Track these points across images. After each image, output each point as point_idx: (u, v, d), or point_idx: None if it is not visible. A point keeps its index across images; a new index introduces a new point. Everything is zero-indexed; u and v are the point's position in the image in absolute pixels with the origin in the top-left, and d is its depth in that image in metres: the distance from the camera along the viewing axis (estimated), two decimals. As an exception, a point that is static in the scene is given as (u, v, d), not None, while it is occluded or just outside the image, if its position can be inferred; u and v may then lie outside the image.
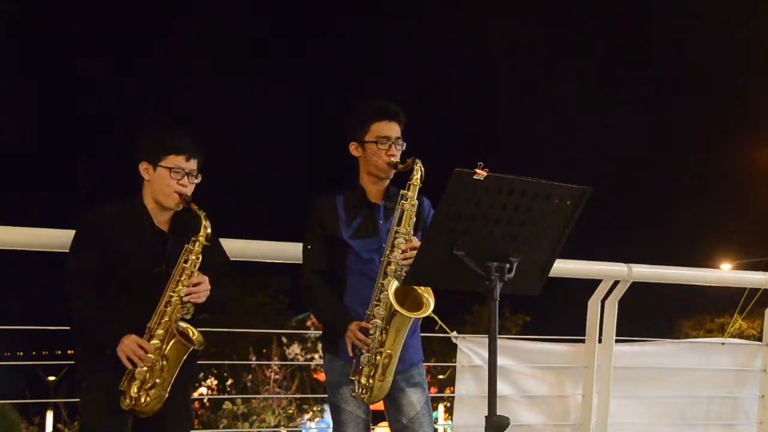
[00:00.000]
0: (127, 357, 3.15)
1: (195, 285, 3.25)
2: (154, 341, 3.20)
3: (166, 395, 3.24)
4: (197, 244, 3.27)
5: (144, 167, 3.34)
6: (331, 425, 3.58)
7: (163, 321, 3.22)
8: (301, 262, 3.70)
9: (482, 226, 2.89)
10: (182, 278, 3.25)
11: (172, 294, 3.23)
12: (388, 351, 3.33)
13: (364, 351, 3.35)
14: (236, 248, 3.84)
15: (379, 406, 3.61)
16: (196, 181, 3.36)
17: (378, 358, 3.34)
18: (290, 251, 4.17)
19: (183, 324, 3.24)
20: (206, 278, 3.30)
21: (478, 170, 2.81)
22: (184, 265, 3.26)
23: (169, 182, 3.30)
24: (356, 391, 3.39)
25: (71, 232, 3.41)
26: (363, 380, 3.37)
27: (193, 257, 3.26)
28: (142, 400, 3.19)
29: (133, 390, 3.18)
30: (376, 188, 3.57)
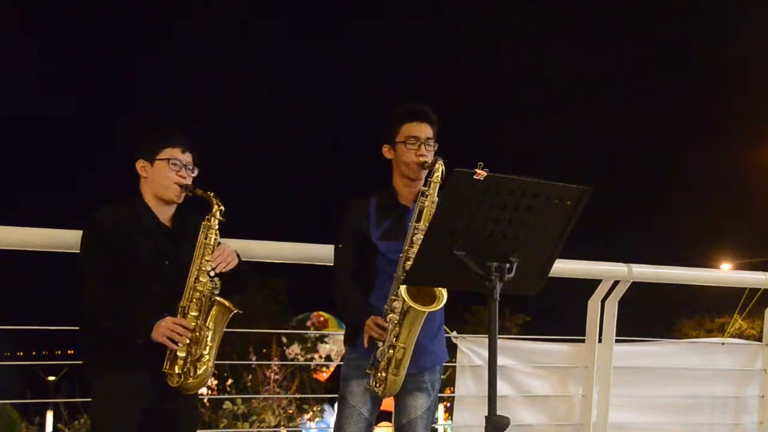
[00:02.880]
0: (167, 337, 3.18)
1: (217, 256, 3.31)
2: (191, 318, 3.25)
3: (213, 367, 3.30)
4: (213, 220, 3.33)
5: (141, 165, 3.38)
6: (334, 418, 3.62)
7: (195, 297, 3.27)
8: (302, 262, 3.72)
9: (482, 226, 2.89)
10: (206, 254, 3.29)
11: (199, 270, 3.28)
12: (402, 345, 3.37)
13: (380, 345, 3.39)
14: (236, 248, 3.83)
15: (388, 407, 3.64)
16: (193, 174, 3.40)
17: (392, 351, 3.38)
18: (290, 251, 4.17)
19: (216, 298, 3.29)
20: (224, 245, 3.36)
21: (478, 170, 2.81)
22: (205, 241, 3.31)
23: (168, 174, 3.34)
24: (370, 383, 3.43)
25: (72, 232, 3.42)
26: (378, 374, 3.41)
27: (213, 233, 3.32)
28: (191, 374, 3.24)
29: (178, 368, 3.22)
30: (408, 190, 3.61)
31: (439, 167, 3.46)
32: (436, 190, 3.45)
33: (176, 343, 3.20)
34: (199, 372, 3.25)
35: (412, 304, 3.29)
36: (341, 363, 3.68)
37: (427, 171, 3.55)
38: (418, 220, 3.43)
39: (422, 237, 3.36)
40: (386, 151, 3.63)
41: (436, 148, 3.60)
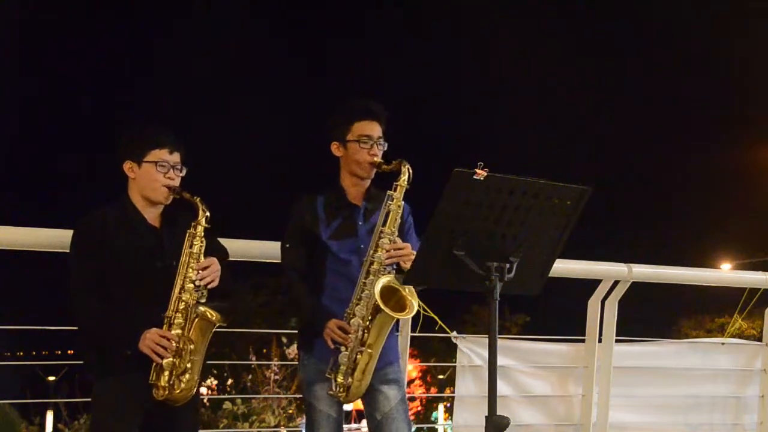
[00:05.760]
0: (152, 350, 3.17)
1: (204, 268, 3.28)
2: (175, 330, 3.23)
3: (198, 379, 3.28)
4: (199, 228, 3.30)
5: (128, 166, 3.36)
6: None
7: (180, 308, 3.25)
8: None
9: (482, 226, 2.89)
10: (191, 263, 3.27)
11: (184, 280, 3.26)
12: (369, 350, 3.33)
13: (342, 349, 3.35)
14: (236, 248, 3.84)
15: (359, 405, 3.60)
16: (181, 174, 3.38)
17: (358, 356, 3.34)
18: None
19: (201, 308, 3.26)
20: (215, 260, 3.33)
21: (478, 170, 2.81)
22: (191, 250, 3.28)
23: (156, 177, 3.32)
24: (333, 389, 3.38)
25: (70, 232, 3.41)
26: (340, 379, 3.36)
27: (198, 242, 3.29)
28: (176, 387, 3.22)
29: (164, 380, 3.21)
30: (356, 189, 3.57)
31: (406, 171, 3.41)
32: (403, 193, 3.41)
33: (161, 356, 3.19)
34: (183, 384, 3.22)
35: (385, 309, 3.26)
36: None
37: (376, 171, 3.52)
38: (384, 224, 3.38)
39: (388, 241, 3.37)
40: (335, 149, 3.57)
41: (385, 146, 3.56)
